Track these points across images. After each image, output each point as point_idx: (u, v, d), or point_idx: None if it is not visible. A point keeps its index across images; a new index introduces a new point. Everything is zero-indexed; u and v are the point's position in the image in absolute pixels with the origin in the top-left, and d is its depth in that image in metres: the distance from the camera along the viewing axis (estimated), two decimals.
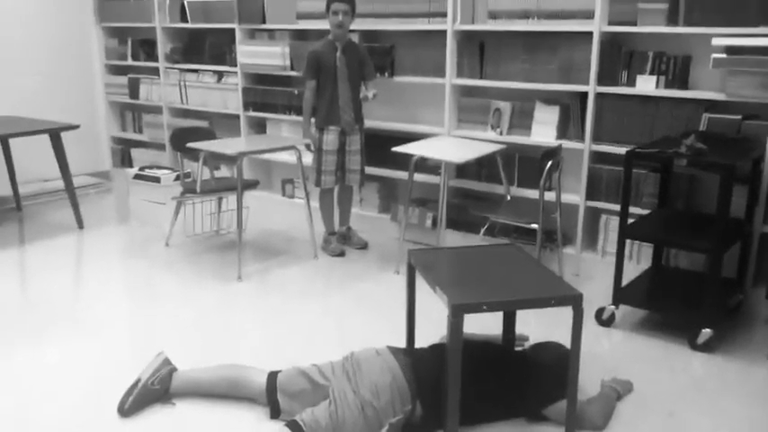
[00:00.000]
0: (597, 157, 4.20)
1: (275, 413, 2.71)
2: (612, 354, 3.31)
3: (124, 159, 6.86)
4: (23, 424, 2.69)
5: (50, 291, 4.04)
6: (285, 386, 2.71)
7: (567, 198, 4.26)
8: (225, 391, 2.84)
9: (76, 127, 5.18)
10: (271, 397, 2.72)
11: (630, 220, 3.56)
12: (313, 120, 4.57)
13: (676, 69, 3.86)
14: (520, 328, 3.14)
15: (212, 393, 2.84)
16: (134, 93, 6.57)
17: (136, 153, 6.78)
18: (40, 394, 2.90)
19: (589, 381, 2.97)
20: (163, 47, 6.22)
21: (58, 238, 5.00)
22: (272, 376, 2.76)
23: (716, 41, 3.55)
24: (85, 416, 2.74)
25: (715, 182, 3.59)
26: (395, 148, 4.24)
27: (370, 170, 4.89)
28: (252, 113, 5.66)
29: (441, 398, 2.51)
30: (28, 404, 2.82)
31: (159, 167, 6.11)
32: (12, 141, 5.47)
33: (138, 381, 2.79)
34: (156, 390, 2.79)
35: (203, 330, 3.53)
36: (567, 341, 2.62)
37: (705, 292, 3.38)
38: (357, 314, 3.76)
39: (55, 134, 5.06)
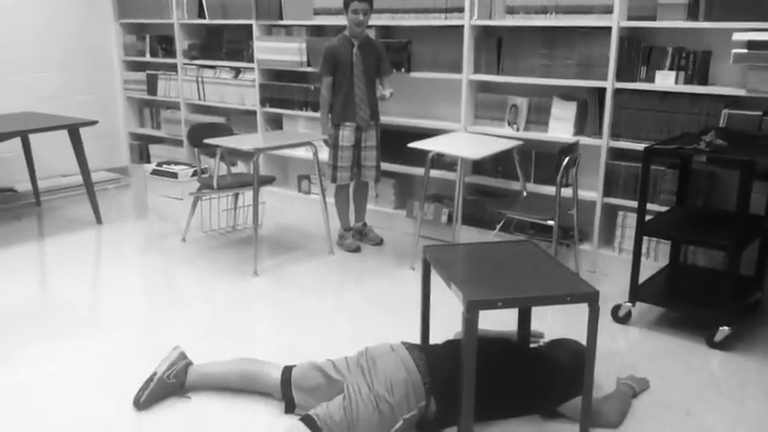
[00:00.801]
0: (615, 154, 4.17)
1: (290, 407, 2.72)
2: (629, 351, 3.29)
3: (142, 155, 6.90)
4: (42, 418, 2.72)
5: (68, 285, 4.08)
6: (300, 381, 2.72)
7: (584, 194, 4.23)
8: (240, 386, 2.85)
9: (95, 122, 5.23)
10: (285, 391, 2.73)
11: (648, 217, 3.53)
12: (329, 115, 4.57)
13: (696, 65, 3.82)
14: (536, 325, 3.13)
15: (227, 387, 2.85)
16: (152, 89, 6.61)
17: (154, 149, 6.82)
18: (57, 388, 2.93)
19: (605, 378, 2.96)
20: (181, 43, 6.25)
21: (77, 233, 5.05)
22: (287, 371, 2.77)
23: (736, 36, 3.51)
24: (102, 409, 2.77)
25: (734, 179, 3.55)
26: (411, 144, 4.24)
27: (386, 166, 4.89)
28: (268, 109, 5.68)
29: (455, 394, 2.50)
30: (46, 398, 2.85)
31: (177, 163, 6.15)
32: (31, 137, 5.53)
33: (154, 374, 2.81)
34: (172, 383, 2.81)
35: (219, 325, 3.55)
36: (582, 338, 2.61)
37: (723, 289, 3.35)
38: (372, 310, 3.76)
39: (73, 130, 5.11)
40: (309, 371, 2.74)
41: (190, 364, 2.89)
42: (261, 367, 2.85)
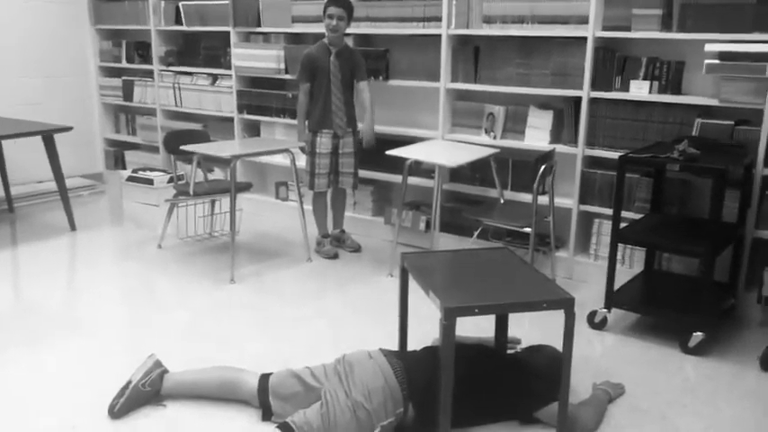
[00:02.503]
0: (590, 162, 4.21)
1: (267, 415, 2.71)
2: (604, 357, 3.32)
3: (117, 161, 6.84)
4: (15, 423, 2.67)
5: (43, 293, 4.03)
6: (277, 388, 2.71)
7: (561, 202, 4.26)
8: (217, 393, 2.83)
9: (69, 129, 5.17)
10: (263, 399, 2.72)
11: (623, 225, 3.57)
12: (306, 122, 4.57)
13: (670, 75, 3.88)
14: (513, 331, 3.15)
15: (204, 395, 2.83)
16: (128, 95, 6.56)
17: (129, 155, 6.76)
18: (32, 396, 2.88)
19: (581, 384, 2.98)
20: (157, 49, 6.21)
21: (51, 239, 4.98)
22: (264, 378, 2.76)
23: (709, 47, 3.57)
24: (76, 415, 2.73)
25: (707, 187, 3.61)
26: (389, 152, 4.24)
27: (363, 173, 4.90)
28: (246, 116, 5.66)
29: (433, 400, 2.51)
30: (21, 406, 2.80)
31: (152, 170, 6.11)
32: (4, 143, 5.46)
33: (129, 382, 2.78)
34: (148, 392, 2.78)
35: (196, 332, 3.52)
36: (559, 344, 2.63)
37: (697, 295, 3.40)
38: (350, 317, 3.76)
39: (48, 136, 5.05)
40: (287, 378, 2.72)
41: (165, 371, 2.86)
42: (238, 375, 2.83)
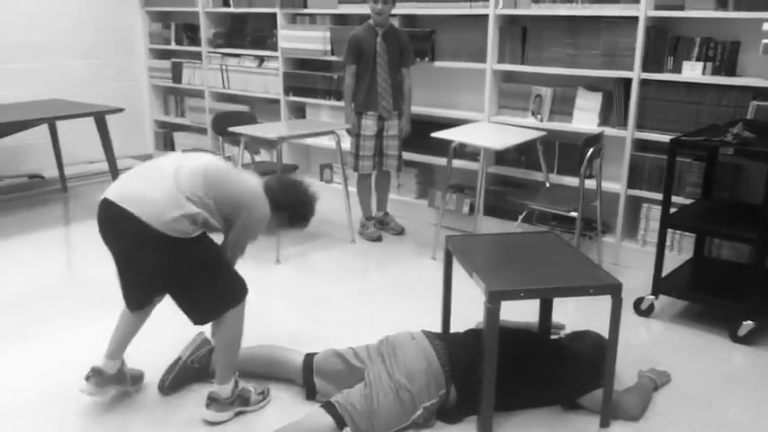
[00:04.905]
0: (640, 145, 4.13)
1: (311, 394, 2.75)
2: (651, 344, 3.27)
3: (167, 143, 6.96)
4: (61, 398, 2.77)
5: (94, 270, 4.14)
6: (321, 367, 2.75)
7: (608, 186, 4.20)
8: (262, 371, 2.88)
9: (121, 110, 5.28)
10: (307, 377, 2.76)
11: (672, 210, 3.50)
12: (352, 105, 4.58)
13: (724, 55, 3.76)
14: (557, 317, 3.13)
15: (250, 372, 2.88)
16: (177, 77, 6.65)
17: (178, 137, 6.88)
18: (80, 370, 2.97)
19: (626, 371, 2.94)
20: (205, 31, 6.28)
21: None
22: (309, 358, 2.80)
23: (766, 27, 3.45)
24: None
25: (761, 171, 3.51)
26: (434, 134, 4.23)
27: (408, 156, 4.89)
28: (292, 98, 5.69)
29: (475, 383, 2.51)
30: (69, 379, 2.89)
31: (201, 151, 6.19)
32: (58, 124, 5.60)
33: (178, 359, 2.85)
34: (196, 368, 2.85)
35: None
36: (604, 331, 2.60)
37: (748, 283, 3.32)
38: (393, 298, 3.77)
39: (100, 117, 5.16)
40: (331, 357, 2.76)
41: (213, 349, 2.92)
42: (284, 354, 2.88)
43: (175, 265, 2.48)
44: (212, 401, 2.62)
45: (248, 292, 2.68)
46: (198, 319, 2.60)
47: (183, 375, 2.83)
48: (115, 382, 2.75)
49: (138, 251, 2.47)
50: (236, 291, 2.64)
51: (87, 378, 2.69)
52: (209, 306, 2.58)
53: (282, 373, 2.86)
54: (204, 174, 2.50)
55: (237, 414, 2.66)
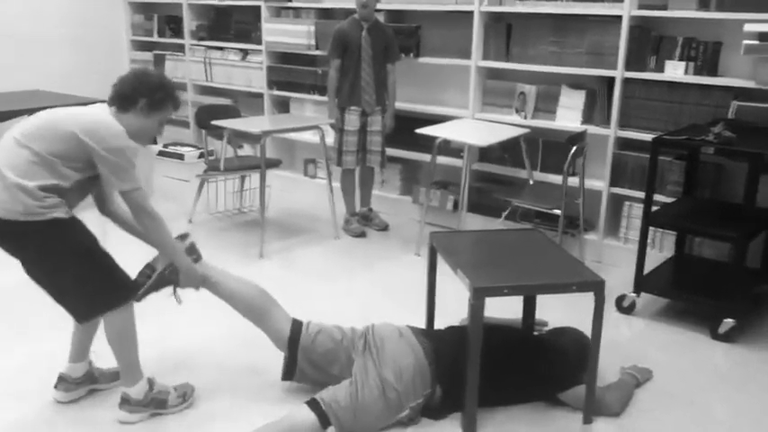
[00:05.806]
0: (622, 144, 4.16)
1: (289, 372, 2.73)
2: (633, 341, 3.30)
3: None
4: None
5: None
6: (307, 344, 2.71)
7: (591, 184, 4.22)
8: (244, 313, 2.80)
9: (103, 102, 5.21)
10: (291, 349, 2.71)
11: (654, 208, 3.53)
12: (336, 99, 4.57)
13: (706, 55, 3.80)
14: (540, 314, 3.14)
15: (231, 305, 2.81)
16: (159, 69, 6.59)
17: None
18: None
19: (608, 368, 2.97)
20: (189, 23, 6.23)
21: (82, 213, 5.04)
22: (297, 328, 2.75)
23: (748, 27, 3.49)
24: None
25: (742, 171, 3.54)
26: (418, 130, 4.23)
27: (392, 152, 4.89)
28: (276, 92, 5.67)
29: (459, 380, 2.52)
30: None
31: (183, 145, 6.15)
32: None
33: (152, 269, 2.79)
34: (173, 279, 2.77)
35: (224, 306, 3.55)
36: (586, 328, 2.62)
37: (729, 281, 3.36)
38: (377, 294, 3.77)
39: None
40: (317, 335, 2.73)
41: (200, 258, 2.82)
42: (270, 307, 2.80)
43: (37, 254, 2.42)
44: (123, 402, 2.57)
45: (133, 299, 2.58)
46: (76, 315, 2.52)
47: (157, 285, 2.75)
48: (86, 384, 2.72)
49: (14, 252, 2.43)
50: (115, 290, 2.53)
51: (55, 386, 2.68)
52: (82, 301, 2.47)
53: (263, 325, 2.78)
54: (20, 137, 2.45)
55: (153, 416, 2.61)
